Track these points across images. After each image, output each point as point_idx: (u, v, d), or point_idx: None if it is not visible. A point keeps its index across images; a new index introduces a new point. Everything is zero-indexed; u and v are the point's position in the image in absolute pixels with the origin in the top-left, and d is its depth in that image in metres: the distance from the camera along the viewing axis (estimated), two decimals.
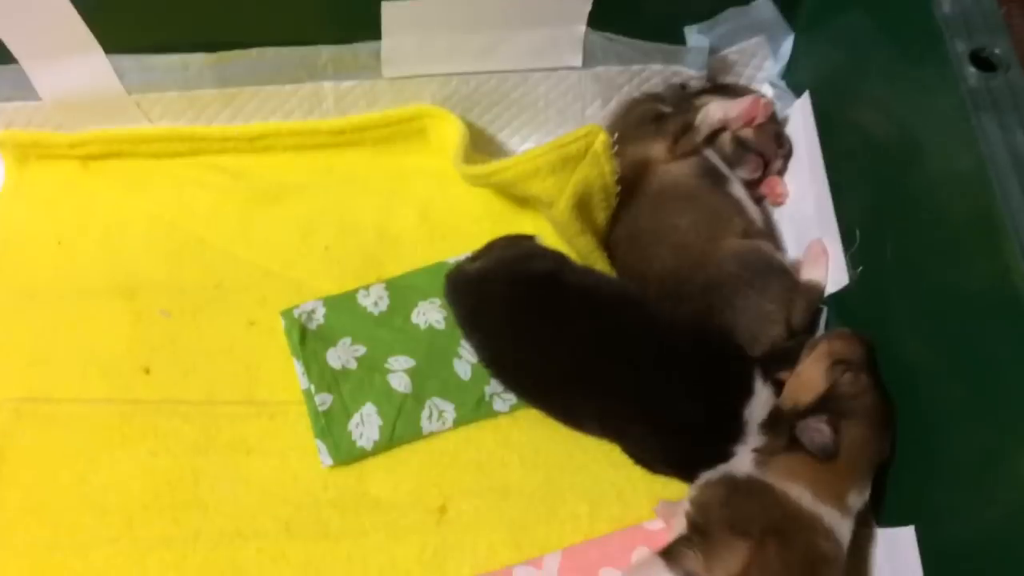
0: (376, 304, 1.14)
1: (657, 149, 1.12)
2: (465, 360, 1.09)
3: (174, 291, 1.16)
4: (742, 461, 0.92)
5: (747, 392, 0.97)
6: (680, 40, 1.21)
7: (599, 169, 1.05)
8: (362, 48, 1.19)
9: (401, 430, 1.04)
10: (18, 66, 1.17)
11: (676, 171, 1.12)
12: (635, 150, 1.11)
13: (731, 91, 1.21)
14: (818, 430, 0.86)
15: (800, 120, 1.17)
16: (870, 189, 0.99)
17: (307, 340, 1.09)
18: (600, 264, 1.12)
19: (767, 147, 1.16)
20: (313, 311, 1.12)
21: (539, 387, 1.04)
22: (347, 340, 1.10)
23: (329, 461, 1.03)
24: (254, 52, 1.19)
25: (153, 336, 1.12)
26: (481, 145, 1.30)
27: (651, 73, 1.23)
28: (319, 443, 1.03)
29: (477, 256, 1.12)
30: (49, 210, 1.24)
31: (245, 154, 1.28)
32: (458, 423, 1.06)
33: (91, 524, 0.99)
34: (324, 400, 1.05)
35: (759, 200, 1.20)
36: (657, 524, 0.99)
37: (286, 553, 0.99)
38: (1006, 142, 0.77)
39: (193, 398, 1.08)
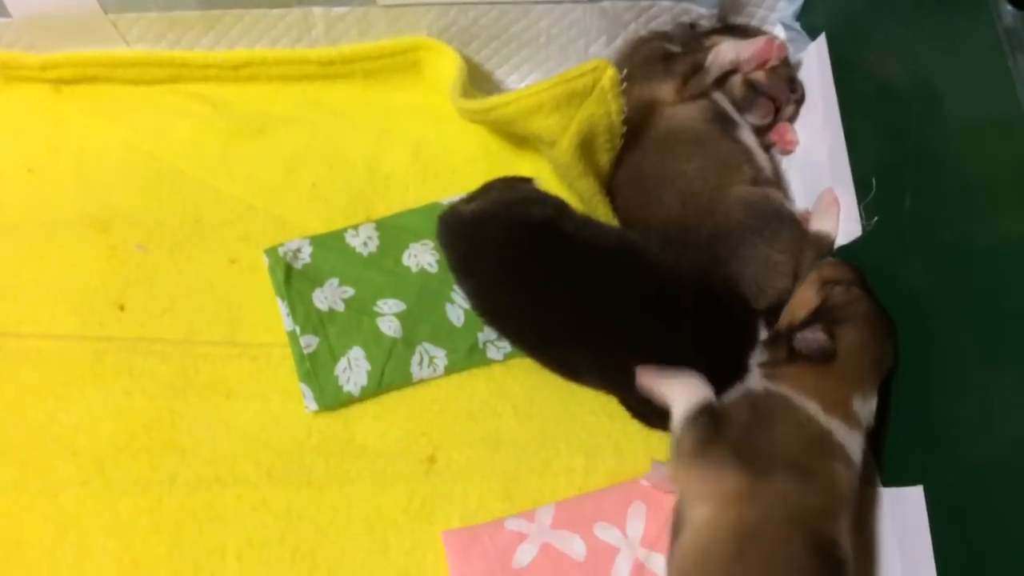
0: (365, 245, 1.08)
1: (665, 90, 1.07)
2: (458, 305, 1.05)
3: (151, 225, 1.10)
4: (753, 377, 0.90)
5: (751, 343, 0.94)
6: None
7: (606, 107, 1.00)
8: None
9: (390, 376, 1.00)
10: None
11: (684, 114, 1.07)
12: (641, 90, 1.06)
13: (743, 32, 1.16)
14: (814, 337, 0.86)
15: (815, 64, 1.12)
16: (888, 137, 0.95)
17: (292, 279, 1.04)
18: (602, 209, 1.07)
19: (779, 92, 1.12)
20: (299, 250, 1.07)
21: (535, 337, 1.00)
22: (335, 281, 1.05)
23: (314, 406, 0.98)
24: None
25: (128, 271, 1.07)
26: (478, 82, 1.24)
27: (660, 10, 1.17)
28: (304, 387, 0.99)
29: (472, 197, 1.07)
30: (19, 136, 1.16)
31: (228, 83, 1.21)
32: (450, 370, 1.02)
33: (60, 466, 0.95)
34: (309, 342, 1.00)
35: (768, 148, 1.15)
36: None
37: (267, 500, 0.95)
38: None
39: (170, 337, 1.03)
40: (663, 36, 1.15)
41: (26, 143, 1.16)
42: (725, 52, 1.08)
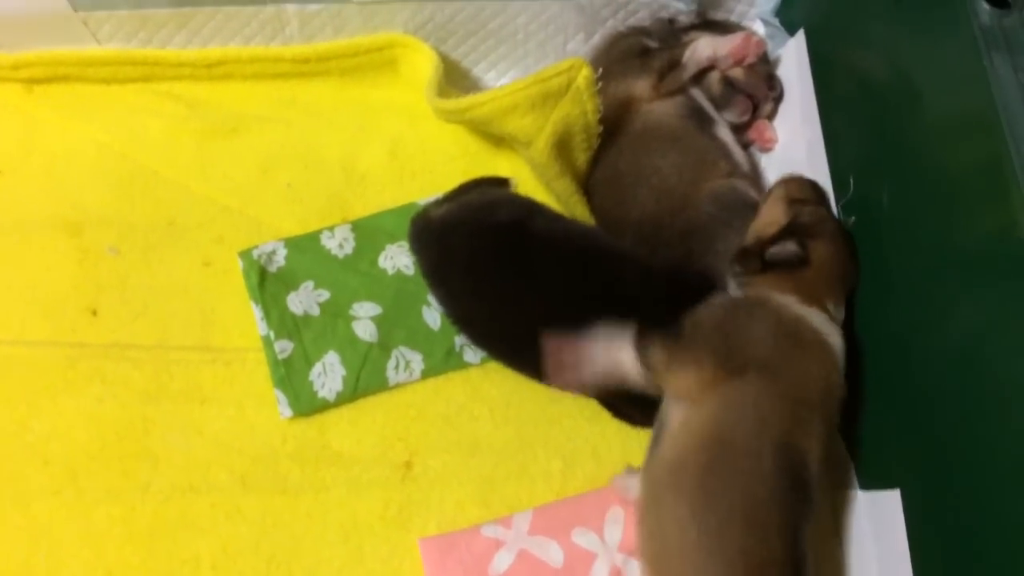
0: (341, 246, 1.07)
1: (641, 86, 1.06)
2: (434, 308, 1.03)
3: (124, 227, 1.08)
4: (729, 286, 0.90)
5: None
6: None
7: (581, 107, 0.99)
8: None
9: (366, 381, 0.99)
10: None
11: (660, 110, 1.06)
12: (618, 87, 1.05)
13: (721, 28, 1.15)
14: (787, 249, 0.87)
15: (793, 61, 1.10)
16: (867, 135, 0.94)
17: (267, 283, 1.03)
18: (580, 209, 1.06)
19: (757, 89, 1.10)
20: (273, 252, 1.05)
21: (509, 344, 0.98)
22: (310, 284, 1.04)
23: (288, 412, 0.97)
24: None
25: (101, 275, 1.05)
26: (455, 79, 1.22)
27: (638, 6, 1.16)
28: (278, 393, 0.98)
29: (444, 200, 1.05)
30: None
31: (202, 81, 1.19)
32: (426, 374, 1.00)
33: (32, 475, 0.93)
34: (284, 347, 0.99)
35: (746, 146, 1.14)
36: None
37: (241, 508, 0.93)
38: (1020, 85, 0.72)
39: (143, 342, 1.01)
40: (641, 31, 1.14)
41: None
42: (702, 48, 1.07)
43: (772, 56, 1.14)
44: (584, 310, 0.90)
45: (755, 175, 1.10)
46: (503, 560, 0.90)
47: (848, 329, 0.88)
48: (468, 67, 1.23)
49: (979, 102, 0.73)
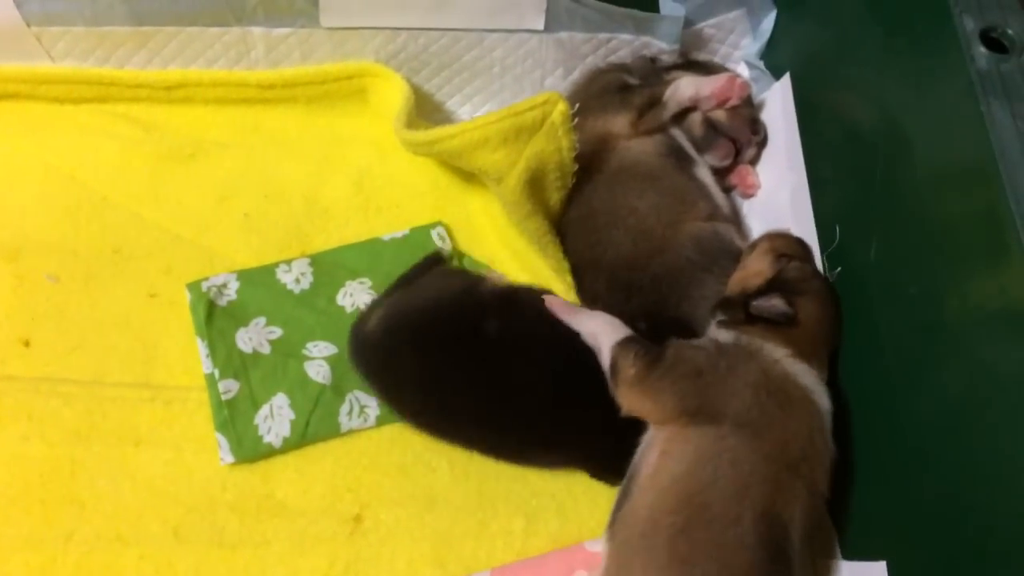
0: (298, 281, 1.01)
1: (619, 123, 1.02)
2: None
3: (65, 253, 1.02)
4: (716, 331, 0.86)
5: None
6: (653, 7, 1.10)
7: (556, 143, 0.94)
8: None
9: (316, 426, 0.92)
10: None
11: (638, 148, 1.02)
12: (595, 123, 1.01)
13: (705, 68, 1.11)
14: (774, 304, 0.83)
15: (778, 105, 1.07)
16: (854, 183, 0.91)
17: (214, 318, 0.96)
18: (552, 250, 1.01)
19: (740, 132, 1.06)
20: (224, 285, 0.99)
21: (482, 440, 0.93)
22: (261, 320, 0.98)
23: (230, 458, 0.90)
24: None
25: (36, 304, 0.98)
26: (427, 113, 1.18)
27: (619, 43, 1.12)
28: (219, 437, 0.91)
29: (382, 299, 0.97)
30: None
31: (160, 104, 1.14)
32: (381, 421, 0.94)
33: None
34: (229, 387, 0.92)
35: (728, 191, 1.10)
36: (599, 545, 0.88)
37: (172, 561, 0.86)
38: (1018, 130, 0.69)
39: (78, 377, 0.94)
40: (622, 68, 1.10)
41: None
42: (684, 88, 1.03)
43: (756, 100, 1.11)
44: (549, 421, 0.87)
45: (736, 220, 1.05)
46: None
47: (832, 389, 0.83)
48: (441, 100, 1.19)
49: (975, 150, 0.70)
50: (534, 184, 0.96)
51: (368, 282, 1.02)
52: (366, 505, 0.90)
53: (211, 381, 0.93)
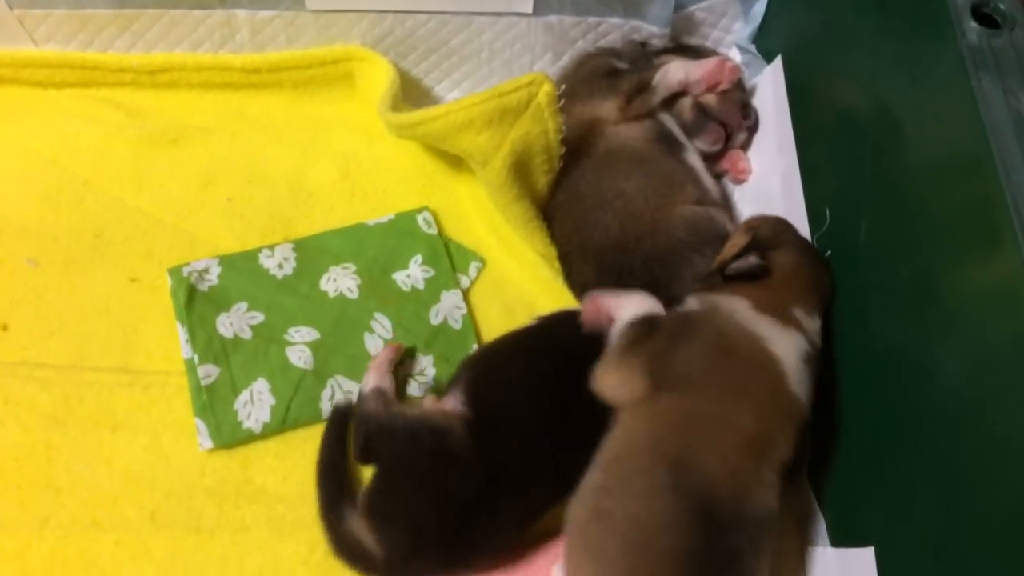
0: (280, 266, 0.99)
1: (608, 108, 1.00)
2: (378, 335, 0.96)
3: (45, 238, 1.00)
4: (691, 300, 0.84)
5: None
6: None
7: (542, 125, 0.93)
8: None
9: (296, 411, 0.90)
10: None
11: (626, 133, 1.00)
12: (584, 107, 0.99)
13: (695, 53, 1.09)
14: (748, 260, 0.84)
15: (770, 89, 1.06)
16: (845, 166, 0.90)
17: (195, 303, 0.95)
18: (538, 236, 0.99)
19: (731, 117, 1.05)
20: (206, 270, 0.98)
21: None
22: (243, 305, 0.96)
23: (209, 443, 0.88)
24: None
25: (16, 288, 0.97)
26: (415, 98, 1.16)
27: (609, 27, 1.10)
28: (198, 422, 0.89)
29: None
30: None
31: (144, 89, 1.12)
32: None
33: None
34: (208, 372, 0.91)
35: (718, 177, 1.08)
36: None
37: (149, 547, 0.84)
38: (1010, 108, 0.67)
39: (56, 361, 0.92)
40: (611, 52, 1.09)
41: None
42: (674, 72, 1.01)
43: (748, 84, 1.09)
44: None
45: (726, 205, 1.04)
46: None
47: (821, 373, 0.81)
48: (429, 85, 1.17)
49: (966, 128, 0.69)
50: (520, 167, 0.94)
51: (352, 267, 1.00)
52: None
53: (190, 366, 0.91)
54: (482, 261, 1.04)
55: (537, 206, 0.99)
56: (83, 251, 1.00)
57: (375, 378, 0.88)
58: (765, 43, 1.12)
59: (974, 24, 0.71)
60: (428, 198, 1.08)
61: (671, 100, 1.04)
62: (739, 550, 0.70)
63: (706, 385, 0.75)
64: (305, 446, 0.90)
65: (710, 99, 1.04)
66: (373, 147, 1.11)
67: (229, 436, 0.89)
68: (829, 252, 0.87)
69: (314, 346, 0.94)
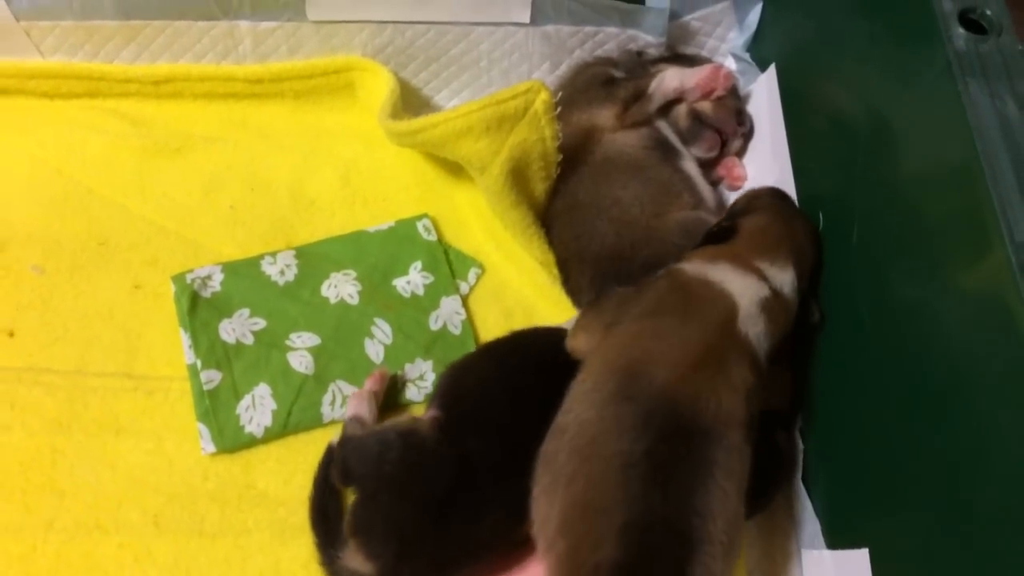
0: (282, 273, 1.01)
1: (605, 116, 1.01)
2: (378, 341, 0.97)
3: (51, 245, 1.02)
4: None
5: None
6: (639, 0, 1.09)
7: (539, 132, 0.94)
8: None
9: (298, 416, 0.92)
10: None
11: (623, 141, 1.01)
12: (581, 116, 1.01)
13: (691, 61, 1.11)
14: (720, 223, 0.88)
15: (764, 96, 1.07)
16: (837, 169, 0.91)
17: (198, 309, 0.96)
18: (536, 243, 1.01)
19: (726, 124, 1.06)
20: (209, 277, 0.99)
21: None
22: (245, 311, 0.97)
23: (211, 448, 0.90)
24: None
25: (22, 294, 0.98)
26: (415, 107, 1.18)
27: (606, 36, 1.12)
28: (201, 426, 0.90)
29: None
30: None
31: (148, 99, 1.14)
32: None
33: None
34: (211, 377, 0.92)
35: (715, 183, 1.10)
36: None
37: (152, 550, 0.85)
38: (996, 112, 0.68)
39: (60, 367, 0.94)
40: (608, 61, 1.10)
41: None
42: (669, 79, 1.03)
43: (743, 91, 1.10)
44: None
45: (722, 212, 1.04)
46: None
47: (815, 376, 0.82)
48: (429, 95, 1.19)
49: (954, 132, 0.69)
50: (518, 174, 0.96)
51: (353, 273, 1.01)
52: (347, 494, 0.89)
53: (193, 371, 0.93)
54: (481, 267, 1.06)
55: (535, 213, 1.00)
56: (88, 258, 1.01)
57: (354, 407, 0.89)
58: (759, 52, 1.13)
59: (961, 30, 0.72)
60: (428, 205, 1.10)
61: (667, 107, 1.06)
62: (696, 463, 0.70)
63: (657, 313, 0.78)
64: (306, 450, 0.91)
65: (705, 106, 1.06)
66: (374, 155, 1.13)
67: (231, 440, 0.90)
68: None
69: (315, 351, 0.95)
